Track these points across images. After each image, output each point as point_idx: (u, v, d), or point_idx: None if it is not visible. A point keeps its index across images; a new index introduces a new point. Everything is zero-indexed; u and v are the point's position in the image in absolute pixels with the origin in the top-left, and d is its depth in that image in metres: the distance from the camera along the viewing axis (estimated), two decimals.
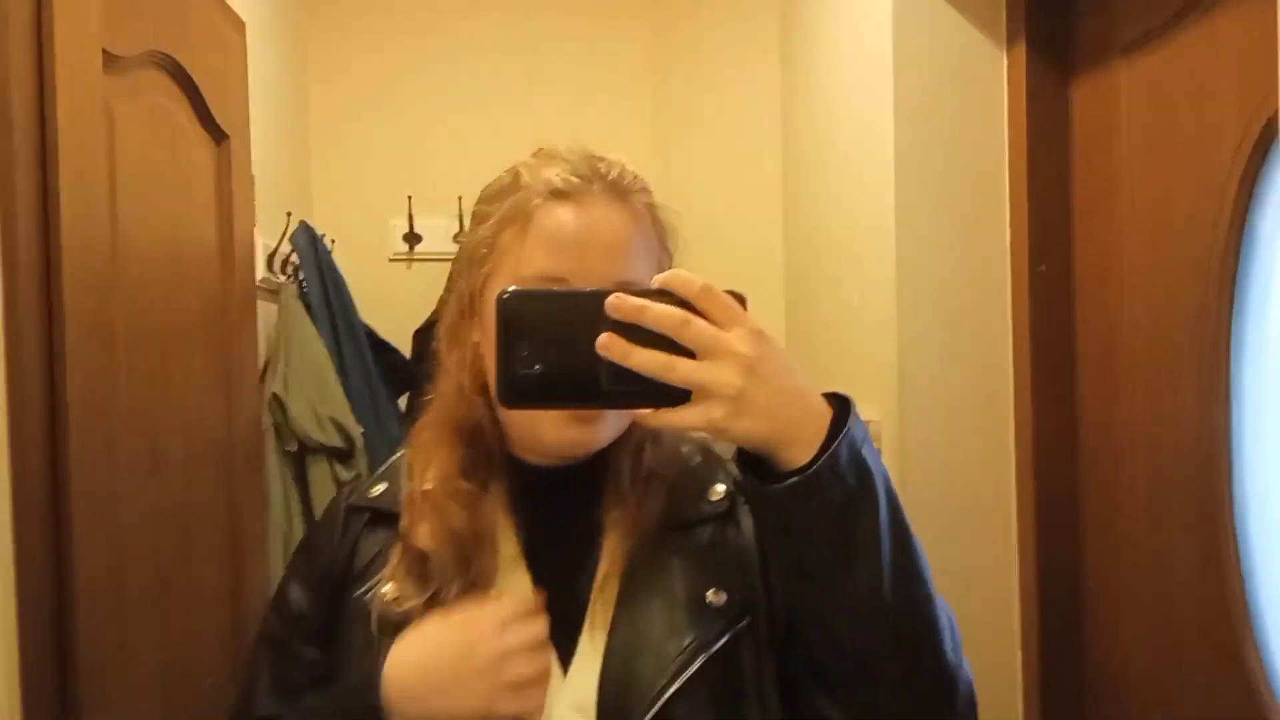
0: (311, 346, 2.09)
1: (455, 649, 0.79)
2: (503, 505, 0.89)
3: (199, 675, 1.56)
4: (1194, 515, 1.41)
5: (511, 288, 0.71)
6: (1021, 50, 1.67)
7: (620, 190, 0.87)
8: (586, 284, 0.81)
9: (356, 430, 2.09)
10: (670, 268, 0.88)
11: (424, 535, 0.86)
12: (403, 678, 0.79)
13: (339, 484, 2.05)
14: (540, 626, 0.80)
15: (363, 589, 0.88)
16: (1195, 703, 1.42)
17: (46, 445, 1.11)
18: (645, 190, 0.90)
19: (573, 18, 2.83)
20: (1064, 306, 1.68)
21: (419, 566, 0.86)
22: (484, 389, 0.89)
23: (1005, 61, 1.71)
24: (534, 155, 0.90)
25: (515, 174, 0.89)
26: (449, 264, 2.66)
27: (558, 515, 0.89)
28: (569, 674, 0.83)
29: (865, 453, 0.71)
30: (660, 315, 0.68)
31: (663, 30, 2.83)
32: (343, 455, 2.07)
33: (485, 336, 0.88)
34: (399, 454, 0.95)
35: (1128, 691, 1.59)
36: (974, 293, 1.74)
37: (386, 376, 2.42)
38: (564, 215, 0.85)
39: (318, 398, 2.05)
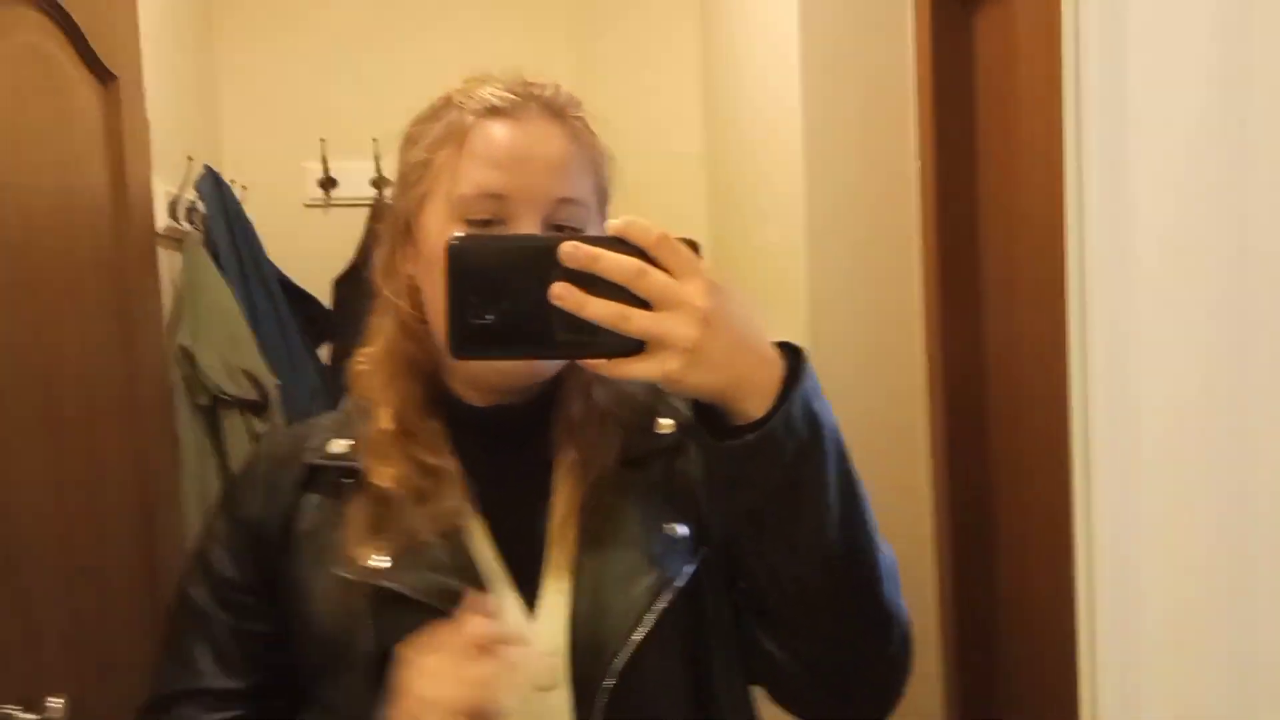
0: (220, 296, 2.04)
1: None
2: (445, 445, 0.87)
3: (111, 634, 1.54)
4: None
5: (459, 235, 0.70)
6: None
7: (556, 108, 0.85)
8: (527, 200, 0.81)
9: (271, 382, 2.05)
10: (608, 191, 0.89)
11: (386, 476, 0.83)
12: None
13: (254, 437, 2.02)
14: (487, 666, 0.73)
15: (313, 553, 0.85)
16: None
17: None
18: (581, 110, 0.87)
19: None
20: (969, 236, 1.69)
21: (382, 515, 0.83)
22: (423, 321, 0.86)
23: None
24: (464, 81, 0.87)
25: (448, 97, 0.87)
26: (368, 208, 2.60)
27: (504, 457, 0.88)
28: (538, 619, 0.83)
29: (816, 405, 0.72)
30: (615, 265, 0.67)
31: None
32: (257, 408, 2.03)
33: (421, 265, 0.85)
34: (344, 404, 0.91)
35: (1034, 614, 1.63)
36: (883, 226, 1.74)
37: (305, 327, 2.38)
38: (501, 131, 0.83)
39: (228, 349, 2.00)
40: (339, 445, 0.88)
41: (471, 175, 0.82)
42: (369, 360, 0.90)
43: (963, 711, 1.74)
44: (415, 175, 0.86)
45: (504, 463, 0.88)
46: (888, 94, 1.70)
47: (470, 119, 0.84)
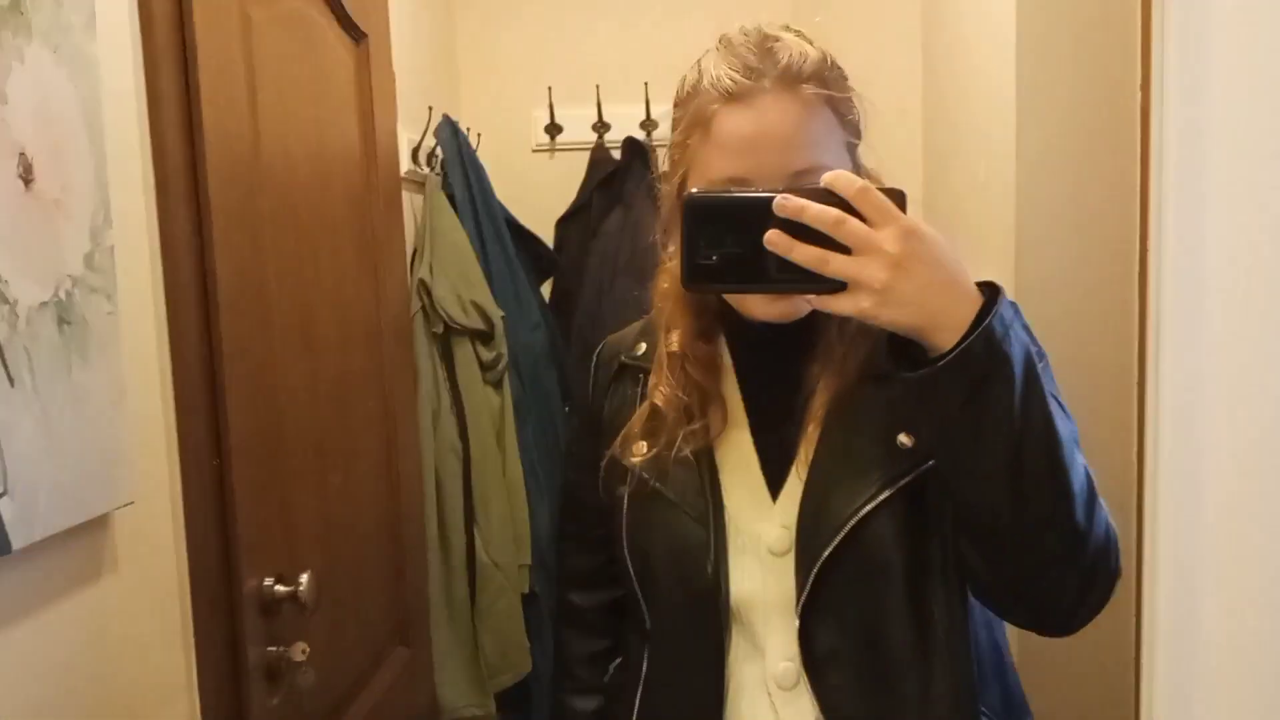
0: (455, 235, 2.23)
1: None
2: (729, 357, 1.06)
3: (356, 530, 1.76)
4: None
5: (694, 191, 0.85)
6: None
7: (790, 79, 0.94)
8: (765, 179, 0.92)
9: (497, 314, 2.23)
10: (858, 132, 1.00)
11: (660, 395, 1.03)
12: None
13: (481, 363, 2.21)
14: None
15: (609, 436, 1.08)
16: None
17: (201, 317, 1.28)
18: (817, 74, 0.96)
19: None
20: None
21: (654, 420, 1.04)
22: None
23: None
24: (715, 45, 1.00)
25: (697, 75, 0.99)
26: (589, 153, 2.74)
27: (774, 367, 1.03)
28: (778, 500, 1.00)
29: (1005, 340, 0.78)
30: (818, 215, 0.78)
31: None
32: (484, 337, 2.22)
33: None
34: (652, 315, 1.12)
35: None
36: (1098, 165, 1.66)
37: (530, 264, 2.55)
38: (738, 120, 0.94)
39: (461, 283, 2.19)
40: (640, 349, 1.11)
41: (716, 164, 0.95)
42: (664, 294, 1.08)
43: None
44: (677, 155, 1.01)
45: (772, 371, 1.03)
46: (1107, 25, 1.61)
47: (713, 106, 0.95)
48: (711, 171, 0.95)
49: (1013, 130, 1.68)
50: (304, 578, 1.39)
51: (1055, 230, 1.69)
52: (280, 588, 1.37)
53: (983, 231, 1.90)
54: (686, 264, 0.83)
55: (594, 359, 1.17)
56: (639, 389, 1.08)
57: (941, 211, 2.24)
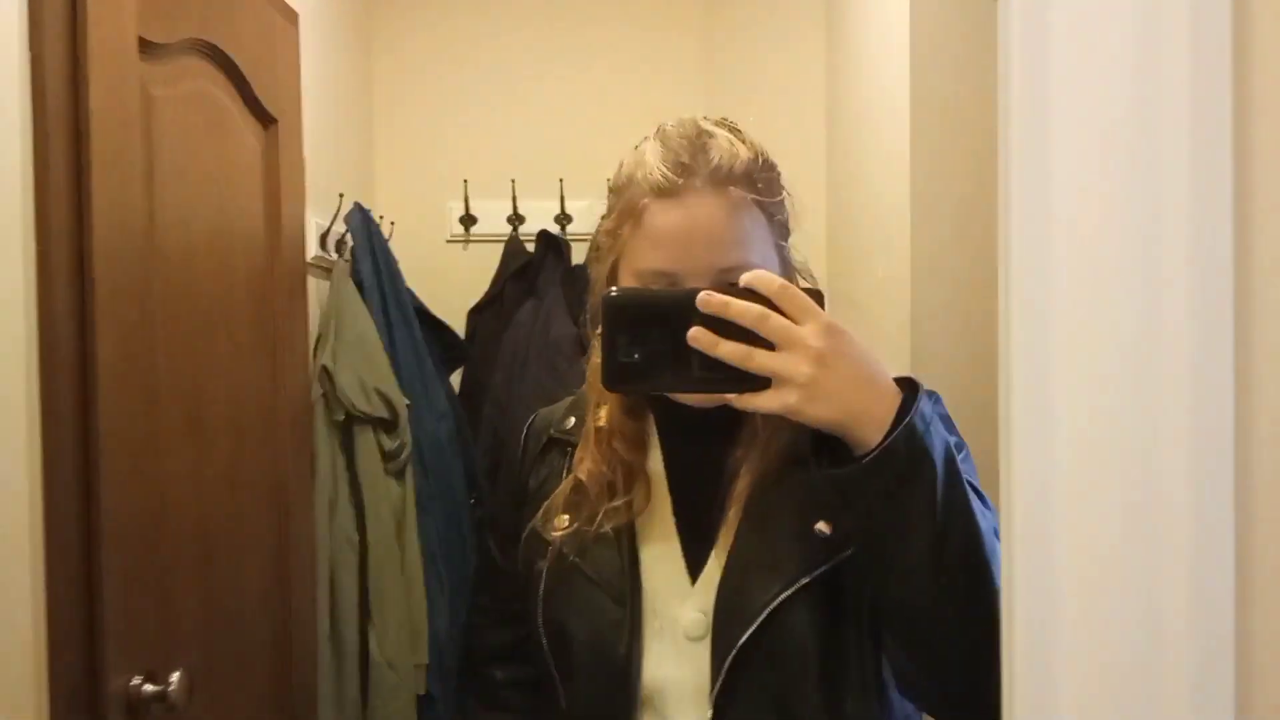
0: (361, 322, 2.20)
1: None
2: (656, 435, 1.05)
3: (240, 626, 1.67)
4: None
5: (614, 291, 0.84)
6: None
7: (720, 178, 0.95)
8: (693, 274, 0.92)
9: (402, 402, 2.19)
10: (786, 230, 1.01)
11: (585, 469, 1.02)
12: None
13: (383, 452, 2.16)
14: None
15: (533, 508, 1.07)
16: None
17: (78, 394, 1.22)
18: (747, 175, 0.97)
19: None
20: None
21: (577, 495, 1.02)
22: None
23: None
24: (653, 134, 1.00)
25: (632, 165, 0.99)
26: (503, 244, 2.75)
27: (699, 449, 1.01)
28: (696, 584, 0.98)
29: (929, 433, 0.79)
30: (741, 311, 0.78)
31: (714, 6, 2.86)
32: (387, 425, 2.17)
33: None
34: (583, 390, 1.11)
35: None
36: (988, 264, 1.73)
37: (440, 354, 2.52)
38: (667, 216, 0.95)
39: (365, 370, 2.15)
40: (569, 423, 1.10)
41: (645, 256, 0.95)
42: (595, 368, 1.05)
43: None
44: (608, 243, 1.02)
45: (697, 452, 1.02)
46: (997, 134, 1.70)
47: (645, 200, 0.96)
48: (641, 263, 0.95)
49: (908, 232, 1.75)
50: (175, 676, 1.31)
51: (948, 324, 1.76)
52: (149, 687, 1.29)
53: (881, 325, 1.96)
54: (608, 364, 0.82)
55: (525, 429, 1.16)
56: (565, 462, 1.07)
57: (842, 306, 2.31)
